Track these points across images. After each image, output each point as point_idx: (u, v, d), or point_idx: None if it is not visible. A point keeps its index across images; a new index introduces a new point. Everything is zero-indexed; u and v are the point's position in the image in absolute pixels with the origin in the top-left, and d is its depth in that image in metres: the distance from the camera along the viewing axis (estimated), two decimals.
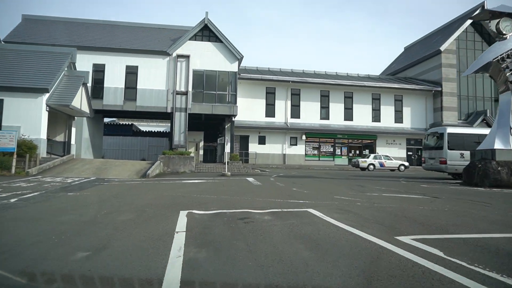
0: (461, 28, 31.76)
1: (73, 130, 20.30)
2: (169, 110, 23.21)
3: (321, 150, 29.86)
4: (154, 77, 23.36)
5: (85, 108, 19.74)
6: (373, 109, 30.93)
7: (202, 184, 10.57)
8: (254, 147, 28.53)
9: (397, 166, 24.20)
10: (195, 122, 28.87)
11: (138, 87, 23.17)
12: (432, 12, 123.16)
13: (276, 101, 29.45)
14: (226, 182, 11.68)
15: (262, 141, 28.83)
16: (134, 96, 23.16)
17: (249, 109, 28.79)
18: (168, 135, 28.17)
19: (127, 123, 36.77)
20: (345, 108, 30.47)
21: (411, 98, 31.61)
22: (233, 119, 24.35)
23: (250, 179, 12.81)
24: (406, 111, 31.50)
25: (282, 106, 29.45)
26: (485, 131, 16.12)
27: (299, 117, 29.63)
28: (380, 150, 30.36)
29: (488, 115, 30.60)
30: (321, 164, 29.20)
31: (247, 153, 28.39)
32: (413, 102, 31.68)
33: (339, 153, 30.05)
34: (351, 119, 30.43)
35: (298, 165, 28.53)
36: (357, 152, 30.54)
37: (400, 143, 31.00)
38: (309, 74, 31.25)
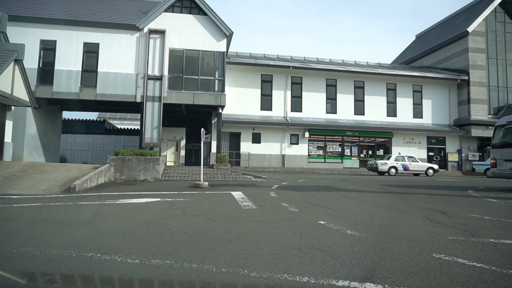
0: (490, 7, 27.60)
1: (8, 124, 15.71)
2: (138, 99, 18.70)
3: (327, 150, 25.53)
4: (120, 57, 18.84)
5: (21, 94, 15.16)
6: (388, 102, 26.66)
7: (145, 210, 6.12)
8: (247, 147, 24.13)
9: (425, 169, 19.98)
10: (175, 116, 24.43)
11: (99, 70, 18.63)
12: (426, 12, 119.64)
13: (273, 91, 25.06)
14: (194, 202, 7.26)
15: (256, 139, 24.42)
16: (93, 81, 18.63)
17: (241, 100, 24.39)
18: None
19: (98, 119, 32.11)
20: (355, 101, 26.16)
21: (432, 89, 27.40)
22: (220, 111, 19.90)
23: (237, 194, 8.45)
24: (427, 104, 27.28)
25: (281, 98, 25.07)
26: None
27: (301, 111, 25.27)
28: (397, 150, 26.09)
29: None
30: (327, 166, 24.86)
31: (239, 154, 23.96)
32: (434, 94, 27.46)
33: (349, 154, 25.73)
34: (362, 114, 26.13)
35: (300, 168, 24.16)
36: (370, 152, 26.25)
37: (420, 141, 26.76)
38: (311, 61, 26.91)
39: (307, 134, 24.63)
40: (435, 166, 20.32)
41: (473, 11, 29.79)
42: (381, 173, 20.14)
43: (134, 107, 20.16)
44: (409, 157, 20.37)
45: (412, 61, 34.13)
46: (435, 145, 27.16)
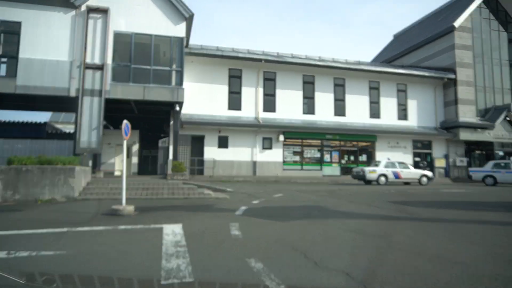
0: (475, 2, 26.07)
1: None
2: (73, 93, 15.10)
3: (305, 156, 22.75)
4: (50, 41, 15.20)
5: None
6: (370, 102, 24.34)
7: None
8: (212, 152, 20.91)
9: (418, 177, 17.56)
10: (125, 116, 20.78)
11: (20, 56, 14.89)
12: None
13: (243, 88, 22.07)
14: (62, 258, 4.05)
15: (223, 143, 21.27)
16: (13, 70, 14.86)
17: (205, 98, 21.21)
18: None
19: (38, 121, 27.83)
20: (335, 100, 23.63)
21: (417, 88, 25.38)
22: (178, 108, 16.60)
23: (172, 232, 5.12)
24: (412, 105, 25.20)
25: (252, 96, 22.10)
26: None
27: (274, 111, 22.40)
28: (380, 155, 23.74)
29: None
30: (305, 174, 22.06)
31: (202, 161, 20.68)
32: (419, 94, 25.46)
33: (329, 160, 23.07)
34: (343, 115, 23.62)
35: (274, 176, 21.20)
36: (351, 158, 23.72)
37: (405, 146, 24.58)
38: (286, 56, 24.14)
39: (281, 138, 21.75)
40: (429, 174, 18.00)
41: (456, 6, 28.29)
42: (369, 182, 17.55)
43: (67, 104, 16.42)
44: (400, 163, 17.94)
45: (391, 60, 32.29)
46: (421, 149, 25.08)
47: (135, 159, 20.83)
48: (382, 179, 16.83)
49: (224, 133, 21.28)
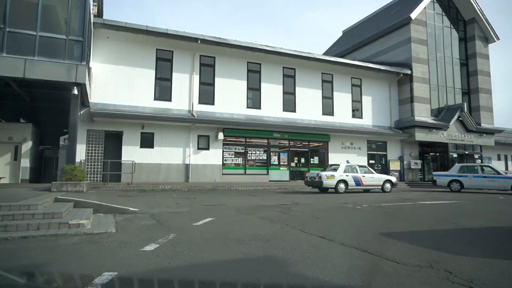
0: None
1: None
2: None
3: (249, 158, 19.44)
4: None
5: None
6: (323, 97, 21.78)
7: None
8: (132, 153, 16.75)
9: (381, 183, 15.04)
10: (14, 104, 16.07)
11: None
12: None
13: (174, 74, 18.18)
14: None
15: (147, 142, 17.22)
16: None
17: (124, 85, 17.03)
18: None
19: None
20: (284, 93, 20.67)
21: (372, 83, 23.41)
22: (75, 91, 12.28)
23: None
24: (366, 102, 23.15)
25: (185, 84, 18.31)
26: None
27: (213, 103, 18.82)
28: (334, 156, 21.28)
29: (465, 110, 23.95)
30: (248, 179, 18.76)
31: (119, 164, 16.43)
32: (374, 90, 23.51)
33: (276, 162, 20.01)
34: (293, 110, 20.76)
35: (211, 182, 17.61)
36: (302, 160, 20.91)
37: (360, 147, 22.40)
38: (228, 39, 20.59)
39: (221, 136, 18.23)
40: (393, 179, 15.67)
41: (409, 0, 26.95)
42: (325, 189, 14.70)
43: None
44: (361, 166, 15.35)
45: (342, 55, 30.27)
46: (376, 151, 23.12)
47: (25, 162, 15.93)
48: (342, 186, 14.09)
49: (149, 129, 17.21)
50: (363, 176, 14.62)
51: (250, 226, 5.90)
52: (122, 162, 16.51)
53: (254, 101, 20.06)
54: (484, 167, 16.27)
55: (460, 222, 6.33)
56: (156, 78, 17.85)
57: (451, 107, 24.80)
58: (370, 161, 22.52)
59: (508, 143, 28.49)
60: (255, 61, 20.01)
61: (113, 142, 16.74)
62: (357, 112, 22.74)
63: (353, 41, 30.50)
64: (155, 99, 17.67)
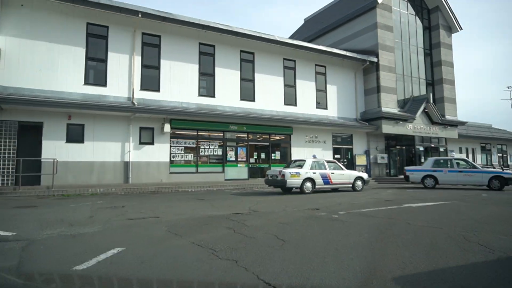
0: None
1: None
2: None
3: (201, 154, 16.98)
4: None
5: None
6: (285, 85, 19.76)
7: None
8: (56, 149, 13.73)
9: (352, 181, 13.23)
10: None
11: None
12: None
13: (110, 54, 15.27)
14: None
15: (76, 135, 14.26)
16: None
17: (45, 65, 13.92)
18: None
19: None
20: (242, 80, 18.39)
21: (337, 72, 21.76)
22: None
23: None
24: (331, 92, 21.46)
25: (124, 66, 15.46)
26: None
27: (158, 90, 16.14)
28: (297, 151, 19.39)
29: (431, 102, 23.02)
30: (201, 179, 16.36)
31: (38, 163, 13.35)
32: (339, 79, 21.88)
33: (233, 158, 17.72)
34: (252, 100, 18.55)
35: (156, 183, 15.02)
36: (262, 156, 18.80)
37: (325, 140, 20.69)
38: (176, 17, 17.87)
39: (168, 128, 15.62)
40: (365, 176, 13.95)
41: None
42: (289, 189, 12.68)
43: None
44: (330, 162, 13.43)
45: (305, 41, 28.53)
46: (342, 144, 21.55)
47: None
48: (308, 185, 12.11)
49: (78, 120, 14.24)
50: (332, 173, 12.73)
51: (173, 269, 3.57)
52: (42, 160, 13.43)
53: (207, 88, 17.59)
54: (459, 161, 15.05)
55: (490, 244, 4.42)
56: (87, 59, 14.83)
57: (417, 98, 23.83)
58: (336, 156, 20.90)
59: (470, 135, 28.27)
60: (208, 43, 17.50)
61: (30, 135, 13.58)
62: (321, 102, 20.98)
63: (316, 28, 28.82)
64: (86, 83, 14.66)
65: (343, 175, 12.99)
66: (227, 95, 17.80)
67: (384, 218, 6.65)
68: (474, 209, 8.00)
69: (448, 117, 24.97)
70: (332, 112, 21.23)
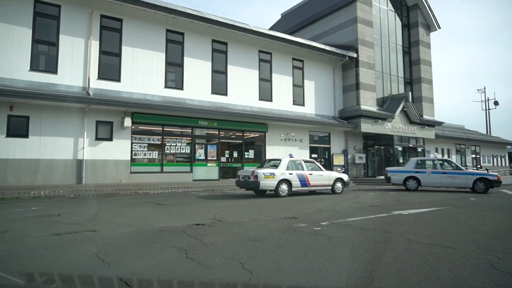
0: None
1: None
2: None
3: (167, 151, 15.42)
4: None
5: None
6: (260, 79, 18.47)
7: None
8: None
9: (331, 183, 12.09)
10: None
11: None
12: None
13: (62, 37, 13.46)
14: None
15: (18, 129, 12.43)
16: None
17: None
18: None
19: None
20: (213, 72, 16.95)
21: (315, 67, 20.69)
22: None
23: None
24: (309, 88, 20.38)
25: (79, 52, 13.69)
26: None
27: (118, 79, 14.46)
28: (272, 150, 18.17)
29: (409, 100, 22.38)
30: (166, 179, 14.83)
31: None
32: (317, 74, 20.83)
33: (203, 157, 16.25)
34: (224, 93, 17.15)
35: (114, 184, 13.38)
36: (235, 154, 17.45)
37: (302, 139, 19.57)
38: None
39: (128, 122, 13.98)
40: (345, 177, 12.86)
41: None
42: (262, 192, 11.41)
43: None
44: (307, 161, 12.21)
45: None
46: (319, 143, 20.51)
47: None
48: (284, 187, 10.88)
49: (21, 111, 12.39)
50: (310, 174, 11.54)
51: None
52: None
53: (175, 80, 16.04)
54: (443, 162, 14.25)
55: None
56: (34, 41, 12.96)
57: (396, 97, 23.16)
58: (313, 155, 19.84)
59: (446, 136, 28.02)
60: (177, 30, 15.94)
61: None
62: (298, 99, 19.84)
63: (294, 21, 27.72)
64: (33, 69, 12.80)
65: (322, 177, 11.83)
66: (196, 88, 16.30)
67: (377, 231, 5.46)
68: (474, 217, 6.99)
69: (426, 117, 24.51)
70: (309, 109, 20.15)
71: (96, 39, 14.05)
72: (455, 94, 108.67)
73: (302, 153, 19.14)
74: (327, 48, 19.96)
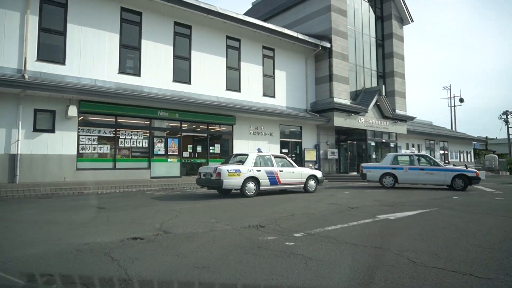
0: None
1: None
2: None
3: (121, 145, 13.69)
4: None
5: None
6: (228, 67, 17.00)
7: None
8: None
9: (303, 180, 10.90)
10: None
11: None
12: None
13: None
14: None
15: None
16: None
17: None
18: None
19: None
20: (175, 57, 15.31)
21: (287, 56, 19.47)
22: None
23: None
24: (280, 79, 19.13)
25: (13, 28, 11.68)
26: None
27: (62, 62, 12.55)
28: (240, 144, 16.84)
29: (383, 94, 21.69)
30: (119, 177, 13.13)
31: None
32: (289, 64, 19.62)
33: (162, 152, 14.63)
34: (188, 82, 15.57)
35: (55, 182, 11.58)
36: (199, 149, 15.95)
37: (272, 132, 18.33)
38: None
39: (73, 111, 12.14)
40: (319, 174, 11.71)
41: None
42: (227, 191, 10.05)
43: None
44: (278, 157, 10.94)
45: None
46: (290, 138, 19.37)
47: None
48: (251, 186, 9.56)
49: None
50: (281, 171, 10.29)
51: None
52: None
53: (133, 65, 14.28)
54: (420, 158, 13.46)
55: None
56: None
57: (369, 90, 22.43)
58: (283, 150, 18.67)
59: (417, 131, 27.78)
60: (133, 8, 14.16)
61: None
62: (269, 90, 18.56)
63: (265, 10, 26.37)
64: None
65: (293, 174, 10.62)
66: (156, 75, 14.61)
67: (366, 247, 4.24)
68: (471, 222, 5.96)
69: (398, 111, 23.98)
70: (280, 101, 18.93)
71: (35, 13, 12.03)
72: (423, 90, 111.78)
73: (272, 148, 17.92)
74: (300, 36, 18.77)
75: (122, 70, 13.82)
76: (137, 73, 14.18)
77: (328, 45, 19.75)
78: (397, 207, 7.77)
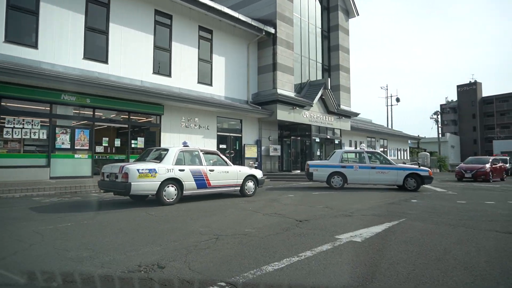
0: None
1: None
2: None
3: (9, 136, 10.61)
4: None
5: None
6: (156, 47, 14.46)
7: None
8: None
9: (240, 182, 8.91)
10: None
11: None
12: None
13: None
14: None
15: None
16: None
17: None
18: None
19: None
20: (87, 29, 12.44)
21: (227, 41, 17.37)
22: None
23: None
24: (218, 65, 16.98)
25: None
26: None
27: None
28: (170, 137, 14.44)
29: (328, 88, 20.54)
30: (5, 177, 10.06)
31: None
32: (229, 50, 17.54)
33: (67, 145, 11.76)
34: (104, 61, 12.80)
35: None
36: (117, 143, 13.26)
37: (208, 126, 16.13)
38: None
39: None
40: (258, 174, 9.75)
41: None
42: (139, 197, 7.75)
43: None
44: (208, 153, 8.77)
45: None
46: (229, 132, 17.33)
47: None
48: (171, 191, 7.32)
49: None
50: (211, 171, 8.21)
51: None
52: None
53: (25, 34, 11.20)
54: (371, 155, 12.20)
55: None
56: None
57: (314, 83, 21.18)
58: (221, 146, 16.61)
59: (360, 128, 27.32)
60: None
61: None
62: (205, 77, 16.33)
63: None
64: None
65: (227, 174, 8.59)
66: (60, 48, 11.67)
67: None
68: (464, 244, 4.32)
69: (343, 107, 23.08)
70: (218, 90, 16.79)
71: None
72: (362, 88, 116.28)
73: (209, 143, 15.77)
74: (241, 17, 16.76)
75: (9, 39, 10.69)
76: (34, 45, 11.13)
77: (272, 30, 18.00)
78: (356, 218, 6.09)
